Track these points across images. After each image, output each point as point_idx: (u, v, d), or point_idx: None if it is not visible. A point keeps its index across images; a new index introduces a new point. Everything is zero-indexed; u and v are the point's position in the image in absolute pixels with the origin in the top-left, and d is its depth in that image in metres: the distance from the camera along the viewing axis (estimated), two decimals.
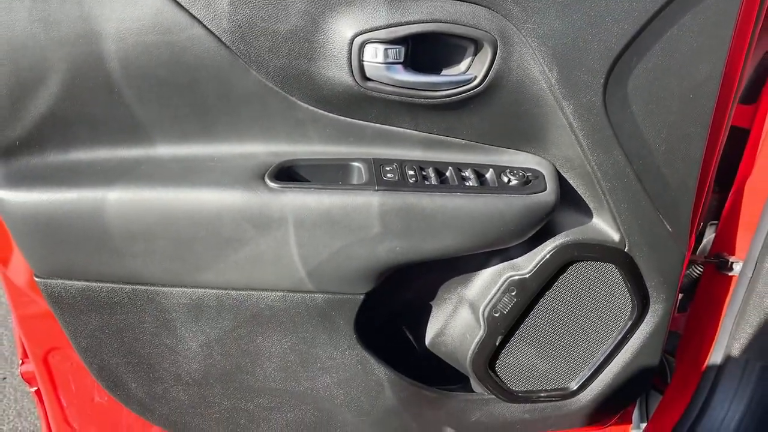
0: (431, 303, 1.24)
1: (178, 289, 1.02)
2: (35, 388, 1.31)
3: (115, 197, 0.93)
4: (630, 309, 1.20)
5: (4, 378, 2.33)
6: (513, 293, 1.13)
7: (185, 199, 0.94)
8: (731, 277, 1.36)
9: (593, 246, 1.12)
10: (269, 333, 1.08)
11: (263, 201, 0.95)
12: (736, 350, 1.37)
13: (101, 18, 0.88)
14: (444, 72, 0.98)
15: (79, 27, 0.88)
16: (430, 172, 1.02)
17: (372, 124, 1.01)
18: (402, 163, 1.02)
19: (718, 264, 1.37)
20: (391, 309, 1.25)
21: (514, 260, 1.14)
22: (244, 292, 1.03)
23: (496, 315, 1.14)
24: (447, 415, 1.28)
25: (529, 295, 1.14)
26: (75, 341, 1.07)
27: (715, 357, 1.40)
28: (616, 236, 1.12)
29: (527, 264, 1.12)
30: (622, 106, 0.99)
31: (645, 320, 1.22)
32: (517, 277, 1.12)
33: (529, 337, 1.20)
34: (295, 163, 1.00)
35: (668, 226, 1.12)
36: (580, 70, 0.96)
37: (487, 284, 1.16)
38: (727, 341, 1.38)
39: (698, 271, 1.48)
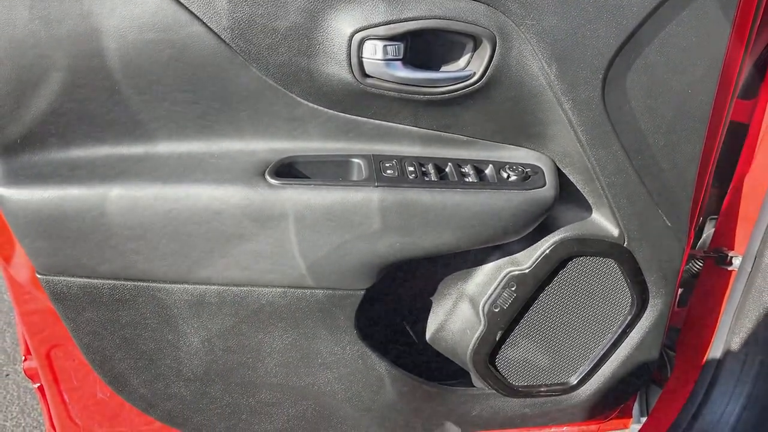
0: (431, 298, 1.24)
1: (179, 285, 1.02)
2: (38, 385, 1.31)
3: (117, 194, 0.93)
4: (629, 304, 1.21)
5: (7, 375, 2.34)
6: (513, 288, 1.13)
7: (186, 196, 0.95)
8: (730, 271, 1.36)
9: (593, 241, 1.12)
10: (270, 329, 1.09)
11: (264, 197, 0.95)
12: (735, 345, 1.37)
13: (101, 15, 0.89)
14: (443, 68, 0.98)
15: (80, 25, 0.89)
16: (430, 168, 1.02)
17: (372, 120, 1.01)
18: (401, 160, 1.02)
19: (717, 259, 1.37)
20: (391, 305, 1.25)
21: (514, 255, 1.14)
22: (245, 289, 1.04)
23: (496, 310, 1.15)
24: (447, 410, 1.29)
25: (529, 290, 1.15)
26: (77, 338, 1.07)
27: (715, 351, 1.40)
28: (615, 231, 1.12)
29: (527, 259, 1.13)
30: (620, 102, 1.00)
31: (644, 315, 1.23)
32: (516, 272, 1.12)
33: (529, 332, 1.21)
34: (295, 159, 1.00)
35: (667, 221, 1.12)
36: (579, 66, 0.96)
37: (487, 279, 1.16)
38: (727, 336, 1.38)
39: (698, 266, 1.48)
